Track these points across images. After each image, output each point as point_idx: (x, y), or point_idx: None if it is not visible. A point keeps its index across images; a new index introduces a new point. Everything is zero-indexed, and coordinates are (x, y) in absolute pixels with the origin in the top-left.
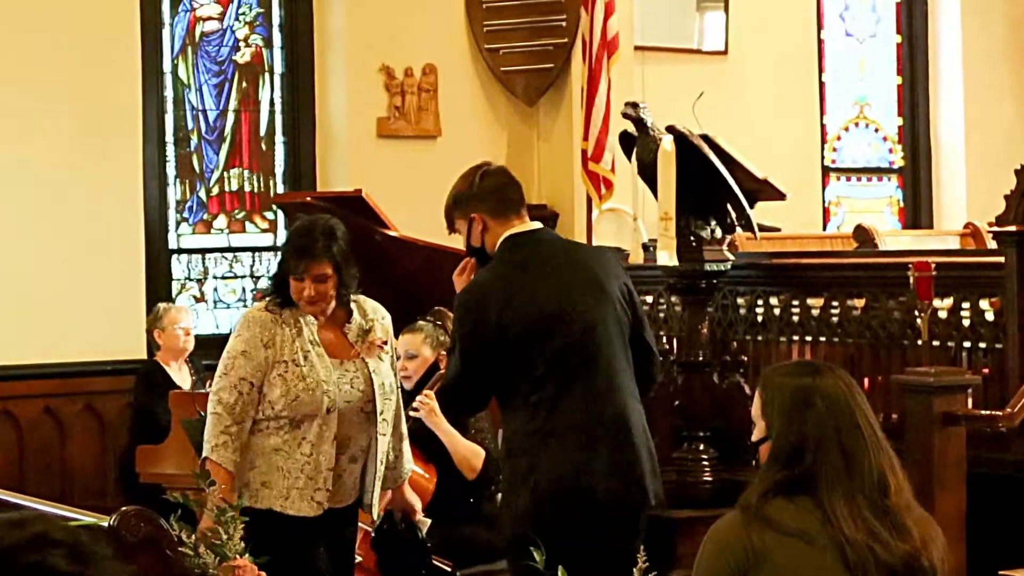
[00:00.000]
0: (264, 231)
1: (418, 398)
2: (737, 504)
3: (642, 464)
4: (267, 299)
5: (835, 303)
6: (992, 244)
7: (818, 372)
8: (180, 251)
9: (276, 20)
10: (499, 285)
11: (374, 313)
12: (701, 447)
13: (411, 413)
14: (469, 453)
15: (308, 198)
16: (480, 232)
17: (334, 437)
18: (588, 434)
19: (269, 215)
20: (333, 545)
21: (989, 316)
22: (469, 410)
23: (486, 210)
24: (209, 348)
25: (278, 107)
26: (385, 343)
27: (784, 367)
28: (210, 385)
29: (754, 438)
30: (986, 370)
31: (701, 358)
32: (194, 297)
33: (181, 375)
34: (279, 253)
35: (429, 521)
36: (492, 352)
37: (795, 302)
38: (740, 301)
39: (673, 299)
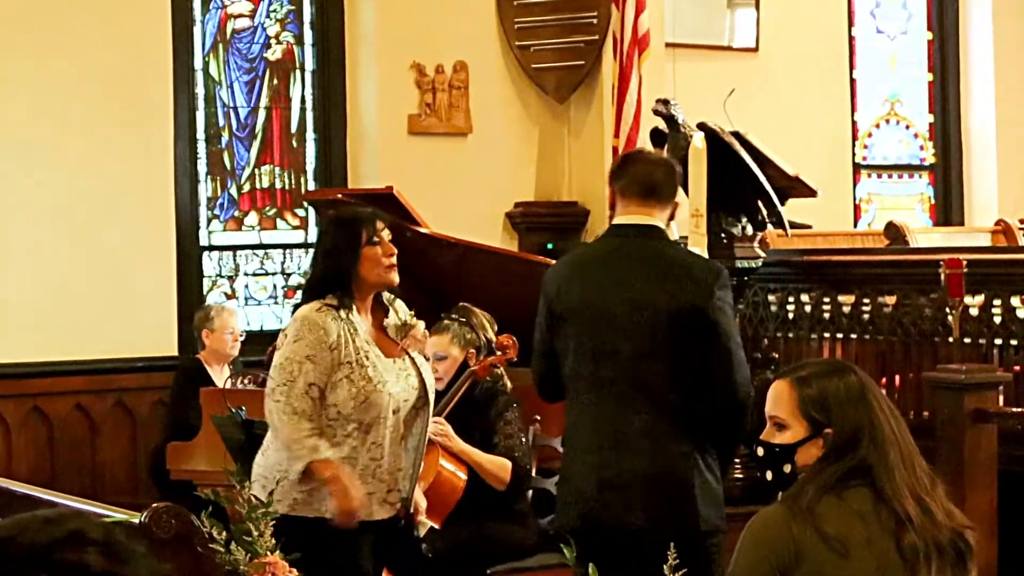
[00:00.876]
0: (295, 228)
1: (432, 427)
2: (782, 498)
3: (634, 487)
4: (319, 301)
5: (866, 300)
6: (1023, 241)
7: (852, 370)
8: (211, 248)
9: (307, 17)
10: (563, 268)
11: (403, 308)
12: None
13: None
14: (495, 468)
15: (339, 195)
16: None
17: (401, 437)
18: (589, 446)
19: (300, 212)
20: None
21: (1020, 313)
22: (542, 391)
23: (616, 189)
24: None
25: (309, 104)
26: (426, 335)
27: (812, 367)
28: (244, 383)
29: (787, 440)
30: (1017, 367)
31: None
32: (225, 294)
33: (221, 377)
34: (323, 252)
35: (430, 524)
36: (546, 330)
37: (826, 299)
38: (771, 298)
39: None
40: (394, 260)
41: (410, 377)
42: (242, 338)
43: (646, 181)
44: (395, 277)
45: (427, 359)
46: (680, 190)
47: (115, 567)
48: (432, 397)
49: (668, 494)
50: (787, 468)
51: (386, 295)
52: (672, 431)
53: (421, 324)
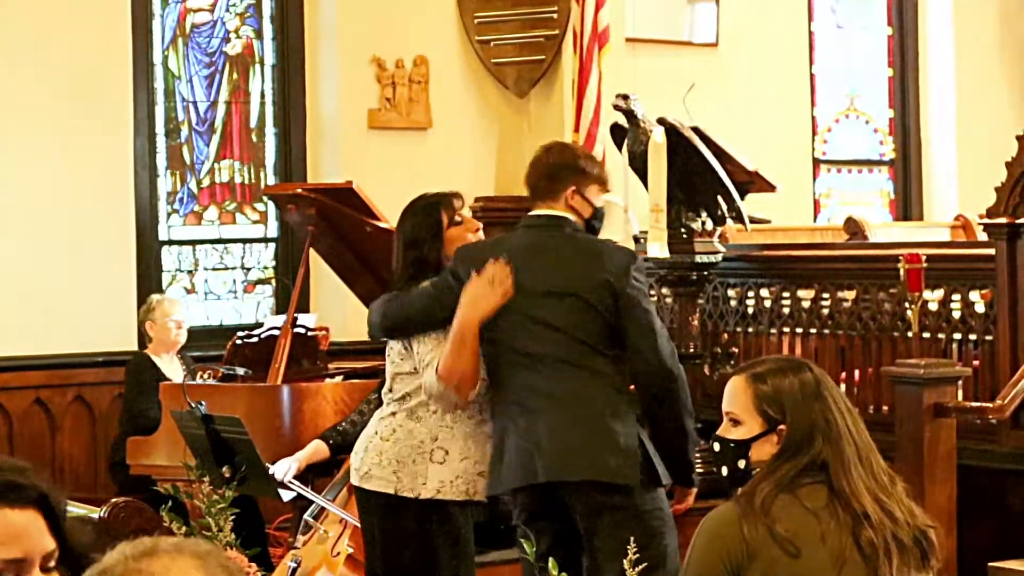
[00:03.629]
0: (255, 223)
1: None
2: (736, 496)
3: (554, 444)
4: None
5: (826, 295)
6: (983, 236)
7: (808, 367)
8: (171, 242)
9: (267, 11)
10: (481, 252)
11: None
12: None
13: None
14: None
15: (299, 189)
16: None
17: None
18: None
19: (260, 206)
20: None
21: (979, 308)
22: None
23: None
24: (200, 340)
25: (269, 98)
26: None
27: (768, 363)
28: (204, 377)
29: (742, 436)
30: (976, 362)
31: (692, 350)
32: (185, 288)
33: (172, 367)
34: (404, 243)
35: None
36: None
37: (786, 294)
38: (731, 293)
39: (664, 291)
40: (480, 234)
41: None
42: (186, 326)
43: (529, 182)
44: None
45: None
46: (640, 184)
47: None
48: None
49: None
50: (742, 464)
51: None
52: (594, 394)
53: None
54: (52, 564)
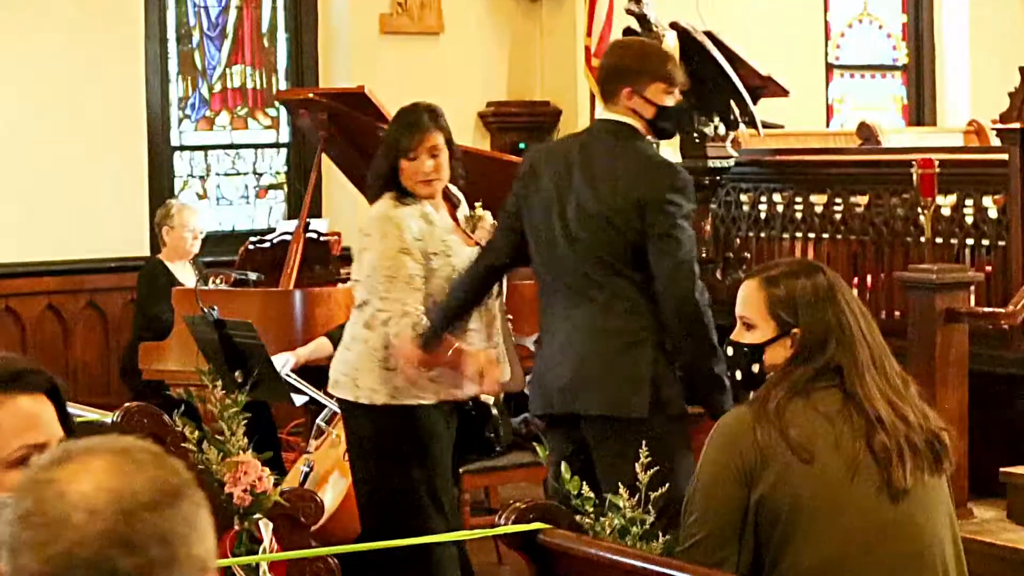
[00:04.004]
0: (267, 128)
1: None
2: (750, 400)
3: (568, 374)
4: (387, 196)
5: (838, 200)
6: (996, 141)
7: (822, 270)
8: (183, 148)
9: None
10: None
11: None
12: None
13: None
14: None
15: (311, 95)
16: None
17: (487, 323)
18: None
19: (272, 112)
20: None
21: (992, 213)
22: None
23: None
24: (212, 245)
25: (280, 3)
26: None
27: (782, 266)
28: (216, 282)
29: (756, 340)
30: (989, 267)
31: (704, 255)
32: (197, 194)
33: (185, 273)
34: (379, 150)
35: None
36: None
37: (798, 199)
38: (743, 198)
39: None
40: (432, 175)
41: None
42: (202, 236)
43: (599, 78)
44: (431, 191)
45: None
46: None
47: None
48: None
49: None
50: (755, 368)
51: (451, 187)
52: (611, 319)
53: (488, 214)
54: None
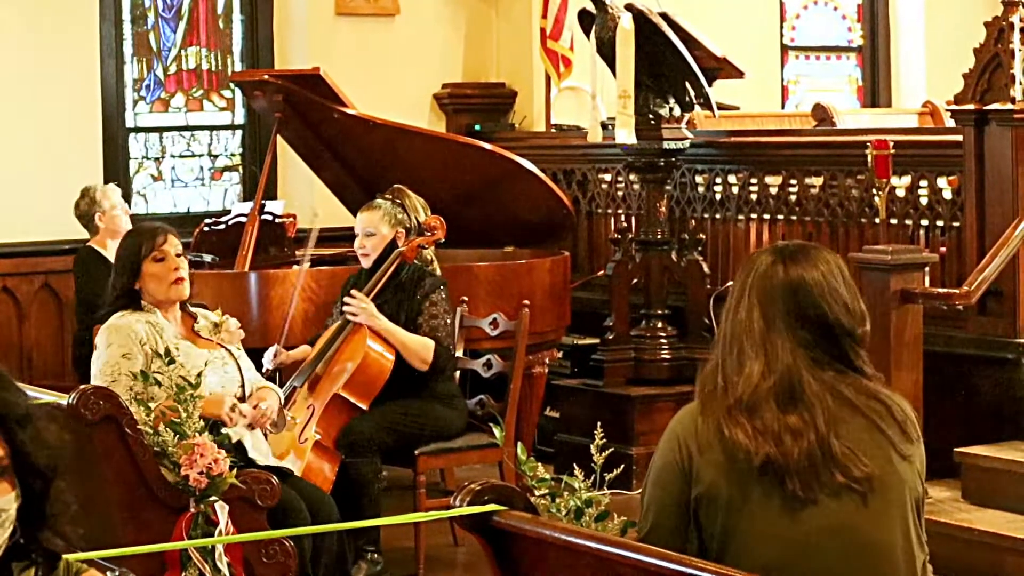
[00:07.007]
0: (222, 110)
1: (351, 303)
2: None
3: None
4: (118, 311)
5: (793, 181)
6: (950, 123)
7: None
8: (137, 130)
9: None
10: None
11: (210, 313)
12: (659, 325)
13: (348, 317)
14: (418, 347)
15: (266, 76)
16: None
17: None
18: None
19: (227, 93)
20: None
21: (947, 194)
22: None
23: None
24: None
25: None
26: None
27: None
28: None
29: None
30: (943, 248)
31: (659, 236)
32: (152, 176)
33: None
34: (116, 269)
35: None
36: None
37: (753, 180)
38: (698, 179)
39: (632, 177)
40: (180, 275)
41: (227, 366)
42: (129, 210)
43: None
44: (182, 292)
45: (356, 236)
46: (608, 71)
47: None
48: (248, 386)
49: None
50: None
51: (195, 308)
52: None
53: (233, 320)
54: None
